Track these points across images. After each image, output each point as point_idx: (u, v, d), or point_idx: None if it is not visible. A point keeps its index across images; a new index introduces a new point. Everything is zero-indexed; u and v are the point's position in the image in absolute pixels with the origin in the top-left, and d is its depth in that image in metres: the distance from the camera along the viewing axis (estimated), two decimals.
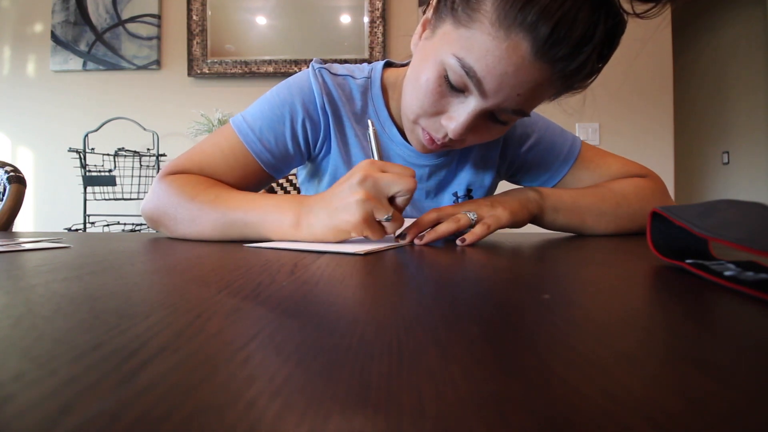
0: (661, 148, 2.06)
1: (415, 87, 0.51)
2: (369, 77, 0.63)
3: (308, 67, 0.62)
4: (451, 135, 0.50)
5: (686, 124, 3.33)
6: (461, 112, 0.48)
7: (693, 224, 0.27)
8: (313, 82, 0.59)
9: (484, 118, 0.50)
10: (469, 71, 0.44)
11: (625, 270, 0.32)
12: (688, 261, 0.28)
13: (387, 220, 0.43)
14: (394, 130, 0.62)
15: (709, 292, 0.23)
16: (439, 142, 0.52)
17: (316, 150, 0.63)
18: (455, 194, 0.67)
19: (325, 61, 0.63)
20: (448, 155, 0.65)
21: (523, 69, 0.43)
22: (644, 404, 0.10)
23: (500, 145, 0.66)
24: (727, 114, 3.12)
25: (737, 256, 0.30)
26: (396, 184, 0.42)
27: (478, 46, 0.43)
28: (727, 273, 0.25)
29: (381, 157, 0.48)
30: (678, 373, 0.12)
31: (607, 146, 2.07)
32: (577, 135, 2.14)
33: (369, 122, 0.49)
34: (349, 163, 0.62)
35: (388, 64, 0.65)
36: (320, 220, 0.44)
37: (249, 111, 0.60)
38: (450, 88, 0.47)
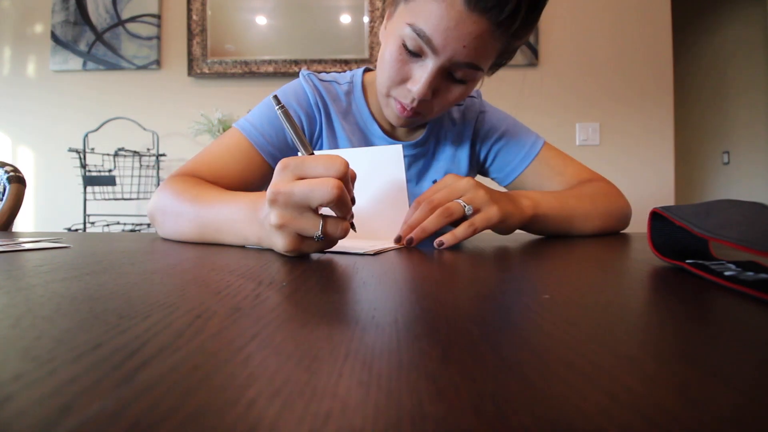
0: (661, 148, 2.06)
1: (382, 64, 0.58)
2: (351, 82, 0.71)
3: (301, 72, 0.70)
4: (416, 96, 0.55)
5: (686, 124, 3.33)
6: (422, 73, 0.54)
7: (693, 224, 0.27)
8: (305, 85, 0.68)
9: (444, 79, 0.56)
10: (419, 32, 0.51)
11: (625, 270, 0.32)
12: (688, 261, 0.28)
13: (318, 239, 0.35)
14: (375, 126, 0.69)
15: (709, 292, 0.23)
16: (408, 108, 0.58)
17: (313, 143, 0.68)
18: (434, 182, 0.70)
19: (315, 62, 0.70)
20: (425, 145, 0.71)
21: (461, 23, 0.49)
22: (644, 404, 0.10)
23: (471, 133, 0.73)
24: (727, 114, 3.12)
25: (737, 256, 0.30)
26: (312, 196, 0.33)
27: (424, 10, 0.51)
28: (727, 273, 0.25)
29: (304, 142, 0.40)
30: (678, 373, 0.12)
31: (607, 146, 2.07)
32: (576, 135, 2.14)
33: (271, 98, 0.41)
34: None
35: (367, 70, 0.73)
36: (268, 239, 0.38)
37: (249, 115, 0.66)
38: (409, 54, 0.54)
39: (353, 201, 0.38)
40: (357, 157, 0.50)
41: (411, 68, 0.55)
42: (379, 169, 0.52)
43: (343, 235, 0.36)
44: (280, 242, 0.35)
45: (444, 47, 0.51)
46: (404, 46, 0.54)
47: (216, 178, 0.60)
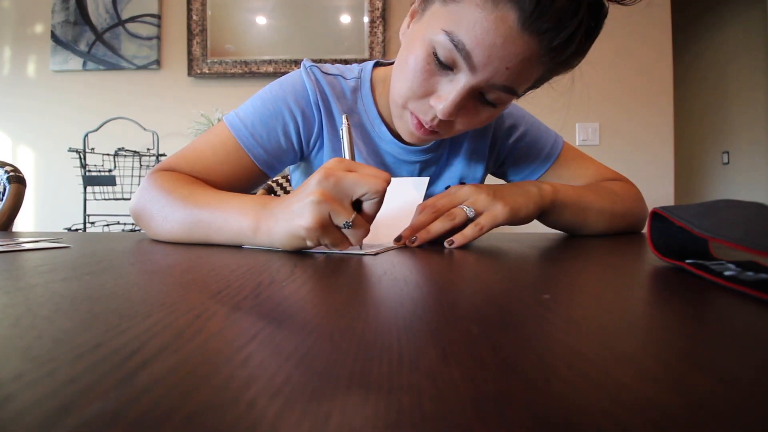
0: (661, 148, 2.06)
1: (403, 70, 0.50)
2: (359, 77, 0.63)
3: (303, 63, 0.63)
4: (440, 115, 0.48)
5: (686, 124, 3.33)
6: (450, 90, 0.47)
7: (693, 224, 0.27)
8: (306, 80, 0.60)
9: (473, 99, 0.49)
10: (458, 44, 0.44)
11: (625, 270, 0.32)
12: (688, 261, 0.28)
13: (346, 226, 0.37)
14: (384, 128, 0.63)
15: (709, 292, 0.23)
16: (427, 126, 0.51)
17: (310, 146, 0.63)
18: (447, 188, 0.68)
19: (316, 62, 0.64)
20: (438, 150, 0.66)
21: (510, 41, 0.43)
22: (644, 404, 0.10)
23: (490, 136, 0.68)
24: (727, 114, 3.11)
25: (737, 256, 0.30)
26: (362, 184, 0.37)
27: (467, 19, 0.43)
28: (727, 273, 0.25)
29: (353, 156, 0.44)
30: (678, 373, 0.12)
31: (607, 146, 2.07)
32: (576, 135, 2.13)
33: (343, 118, 0.44)
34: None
35: (378, 65, 0.66)
36: (278, 225, 0.39)
37: (242, 108, 0.60)
38: (439, 66, 0.47)
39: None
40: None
41: (438, 81, 0.48)
42: (402, 195, 0.53)
43: (364, 235, 0.38)
44: (308, 217, 0.36)
45: (484, 66, 0.45)
46: (434, 54, 0.46)
47: (199, 178, 0.57)
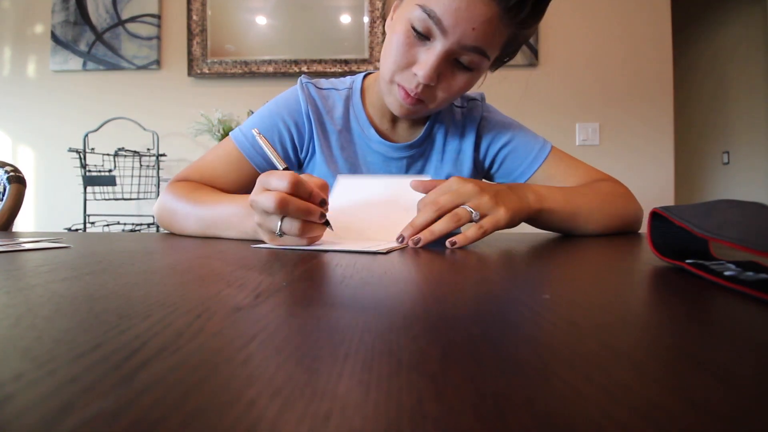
0: (661, 148, 2.06)
1: (388, 50, 0.59)
2: (350, 87, 0.72)
3: (299, 79, 0.72)
4: (422, 80, 0.56)
5: (686, 124, 3.33)
6: (429, 56, 0.55)
7: (693, 224, 0.27)
8: (300, 93, 0.70)
9: (450, 64, 0.57)
10: (429, 13, 0.53)
11: (625, 270, 0.32)
12: (688, 261, 0.28)
13: (279, 235, 0.42)
14: (372, 130, 0.70)
15: (709, 292, 0.23)
16: (413, 94, 0.58)
17: (303, 153, 0.71)
18: (449, 177, 0.69)
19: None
20: (422, 145, 0.71)
21: (472, 5, 0.51)
22: (644, 404, 0.10)
23: (473, 136, 0.73)
24: (727, 114, 3.11)
25: (737, 256, 0.30)
26: (262, 203, 0.41)
27: None
28: (727, 273, 0.25)
29: (278, 160, 0.47)
30: (678, 373, 0.12)
31: (607, 146, 2.07)
32: (576, 135, 2.13)
33: (253, 132, 0.50)
34: (332, 164, 0.70)
35: (367, 75, 0.74)
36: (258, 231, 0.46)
37: (245, 124, 0.71)
38: (417, 36, 0.55)
39: (323, 204, 0.43)
40: (384, 184, 0.58)
41: (417, 52, 0.56)
42: (401, 194, 0.54)
43: (299, 234, 0.42)
44: (262, 237, 0.45)
45: (454, 28, 0.52)
46: (413, 28, 0.55)
47: (209, 185, 0.67)
